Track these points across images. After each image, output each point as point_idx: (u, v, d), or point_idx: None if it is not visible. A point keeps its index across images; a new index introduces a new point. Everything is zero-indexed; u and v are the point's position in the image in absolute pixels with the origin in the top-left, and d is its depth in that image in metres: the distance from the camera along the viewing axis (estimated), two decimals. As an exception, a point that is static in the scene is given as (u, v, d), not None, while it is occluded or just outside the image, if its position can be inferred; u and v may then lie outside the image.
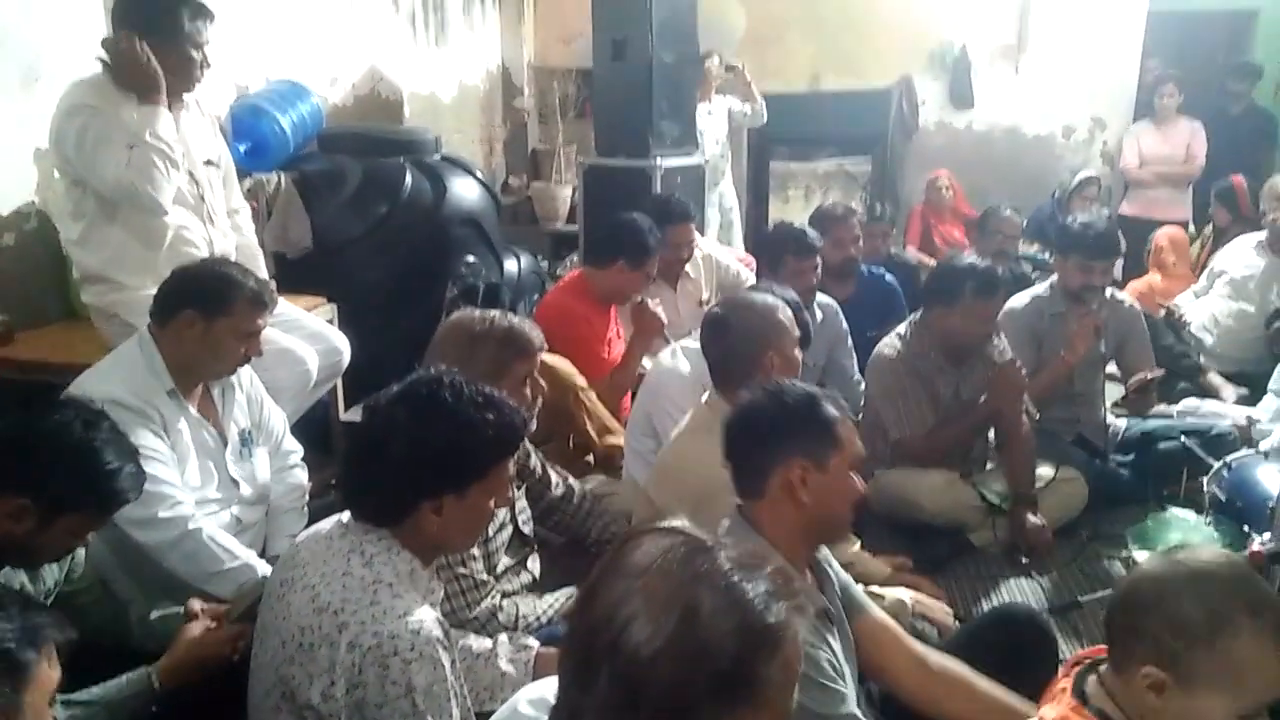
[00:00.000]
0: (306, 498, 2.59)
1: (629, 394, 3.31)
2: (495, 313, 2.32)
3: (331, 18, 4.74)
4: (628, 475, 2.95)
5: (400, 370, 1.71)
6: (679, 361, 2.94)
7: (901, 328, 3.26)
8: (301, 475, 2.59)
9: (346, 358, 3.14)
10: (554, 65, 6.90)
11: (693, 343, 2.95)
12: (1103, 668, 1.37)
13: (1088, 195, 5.78)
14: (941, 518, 3.11)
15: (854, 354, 3.74)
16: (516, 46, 6.89)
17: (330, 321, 3.35)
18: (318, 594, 1.50)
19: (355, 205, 3.97)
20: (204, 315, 2.22)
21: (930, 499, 3.04)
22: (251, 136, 3.87)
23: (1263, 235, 4.49)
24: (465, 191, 4.25)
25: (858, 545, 2.61)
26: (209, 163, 2.87)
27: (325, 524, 1.65)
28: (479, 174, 4.54)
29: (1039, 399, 3.35)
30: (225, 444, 2.38)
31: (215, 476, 2.33)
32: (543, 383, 2.34)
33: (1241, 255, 4.55)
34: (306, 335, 2.99)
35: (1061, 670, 1.45)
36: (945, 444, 3.11)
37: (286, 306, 3.02)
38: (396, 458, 1.54)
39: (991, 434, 3.32)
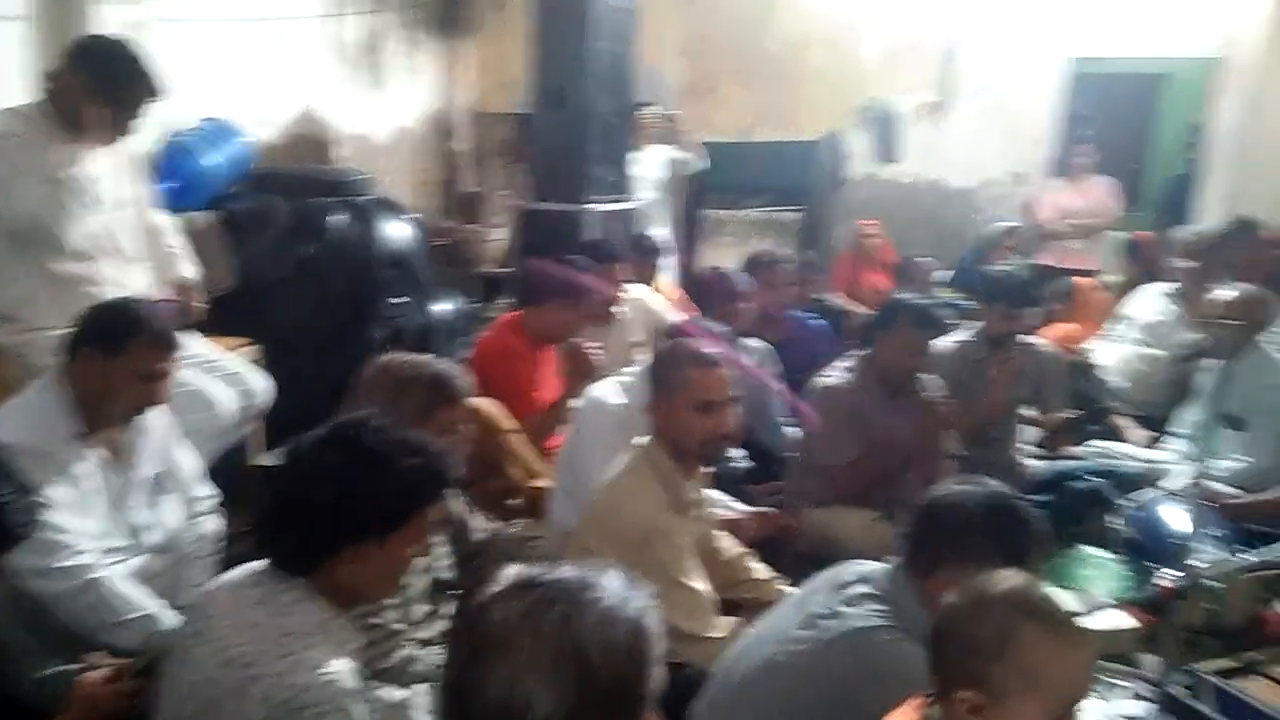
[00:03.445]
0: (219, 545, 2.51)
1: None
2: (423, 357, 2.31)
3: (265, 58, 4.72)
4: (554, 517, 2.93)
5: (324, 414, 1.68)
6: (612, 393, 2.94)
7: (846, 361, 3.32)
8: (214, 522, 2.51)
9: (267, 400, 3.09)
10: (491, 110, 6.95)
11: (630, 376, 2.96)
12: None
13: (1008, 245, 5.98)
14: (864, 556, 3.12)
15: (782, 397, 3.79)
16: (454, 90, 6.93)
17: (253, 363, 3.29)
18: (227, 646, 1.46)
19: (282, 245, 3.92)
20: (103, 353, 2.16)
21: (853, 537, 3.06)
22: (179, 175, 3.82)
23: (1173, 285, 4.68)
24: (395, 233, 4.22)
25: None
26: (124, 203, 2.83)
27: (237, 573, 1.61)
28: (410, 216, 4.53)
29: (963, 440, 3.43)
30: (133, 490, 2.30)
31: (121, 524, 2.25)
32: (469, 428, 2.32)
33: (1152, 302, 4.73)
34: (225, 376, 2.94)
35: (903, 710, 1.47)
36: (871, 475, 3.15)
37: (205, 347, 2.97)
38: (318, 504, 1.50)
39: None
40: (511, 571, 1.08)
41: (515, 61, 6.49)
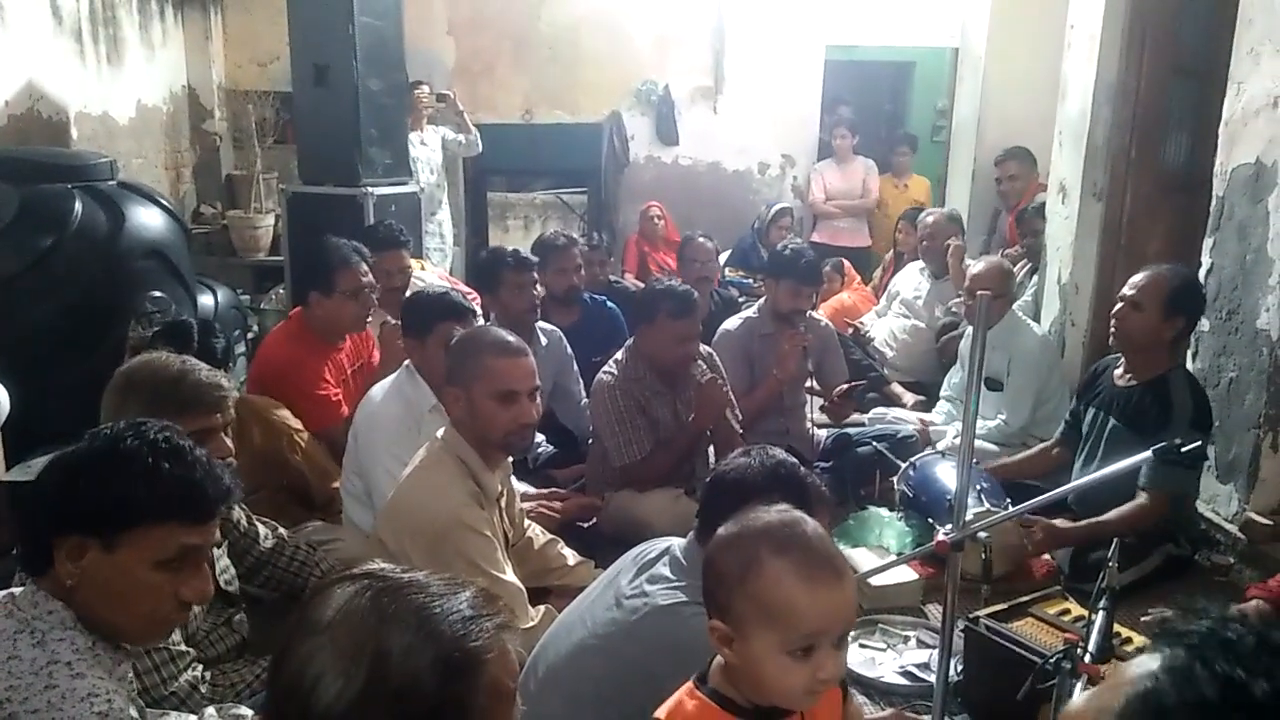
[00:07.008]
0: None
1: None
2: (184, 358, 2.07)
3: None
4: (348, 519, 2.78)
5: (71, 422, 1.49)
6: (381, 394, 2.83)
7: (619, 354, 3.33)
8: (-52, 551, 2.21)
9: (4, 410, 2.77)
10: (248, 87, 6.52)
11: (398, 377, 2.86)
12: None
13: (783, 225, 6.27)
14: (670, 533, 3.17)
15: (580, 379, 3.78)
16: (204, 66, 6.44)
17: (-19, 370, 2.92)
18: (-24, 683, 1.29)
19: (12, 237, 3.50)
20: None
21: (657, 517, 3.09)
22: None
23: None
24: (148, 221, 3.86)
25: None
26: None
27: (-16, 602, 1.41)
28: (164, 202, 4.15)
29: (755, 414, 3.54)
30: None
31: None
32: (252, 431, 2.13)
33: (911, 279, 5.12)
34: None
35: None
36: (663, 467, 3.20)
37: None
38: (45, 486, 1.38)
39: (712, 450, 3.45)
40: (375, 564, 1.04)
41: (269, 37, 6.11)
